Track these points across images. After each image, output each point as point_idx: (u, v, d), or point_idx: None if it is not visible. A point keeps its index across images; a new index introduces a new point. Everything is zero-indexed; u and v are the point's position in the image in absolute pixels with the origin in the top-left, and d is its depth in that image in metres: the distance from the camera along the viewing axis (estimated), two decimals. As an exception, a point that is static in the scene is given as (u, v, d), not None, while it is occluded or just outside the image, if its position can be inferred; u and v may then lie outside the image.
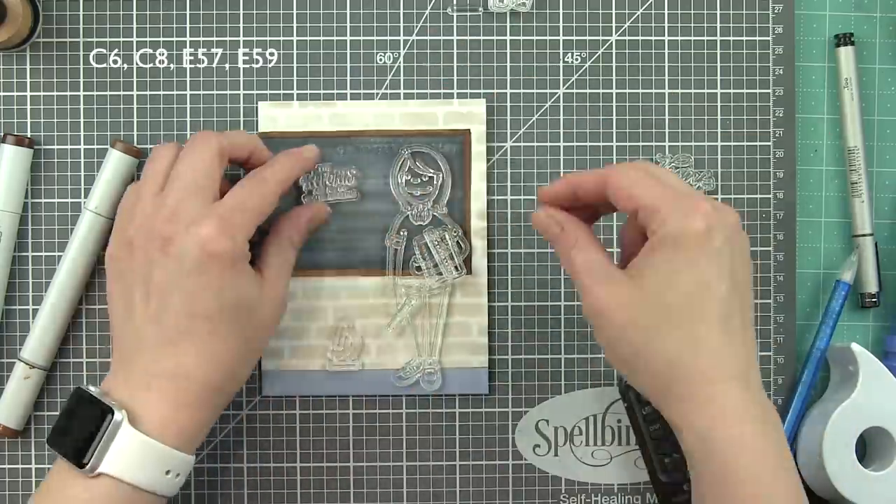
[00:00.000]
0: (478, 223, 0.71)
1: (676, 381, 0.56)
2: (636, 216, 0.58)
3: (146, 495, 0.59)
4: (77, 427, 0.58)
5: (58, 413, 0.70)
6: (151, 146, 0.70)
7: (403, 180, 0.71)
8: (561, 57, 0.72)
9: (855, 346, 0.70)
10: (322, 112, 0.71)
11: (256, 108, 0.71)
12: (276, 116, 0.70)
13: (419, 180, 0.71)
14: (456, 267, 0.71)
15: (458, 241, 0.71)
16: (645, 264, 0.57)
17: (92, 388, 0.60)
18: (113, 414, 0.58)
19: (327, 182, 0.70)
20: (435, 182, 0.71)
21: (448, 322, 0.71)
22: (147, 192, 0.62)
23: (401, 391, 0.71)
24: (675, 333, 0.56)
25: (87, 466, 0.57)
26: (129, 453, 0.58)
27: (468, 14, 0.72)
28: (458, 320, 0.71)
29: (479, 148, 0.71)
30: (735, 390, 0.56)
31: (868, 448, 0.72)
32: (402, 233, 0.71)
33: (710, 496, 0.57)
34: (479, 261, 0.71)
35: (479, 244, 0.71)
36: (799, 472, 0.71)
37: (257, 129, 0.71)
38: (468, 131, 0.71)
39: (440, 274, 0.71)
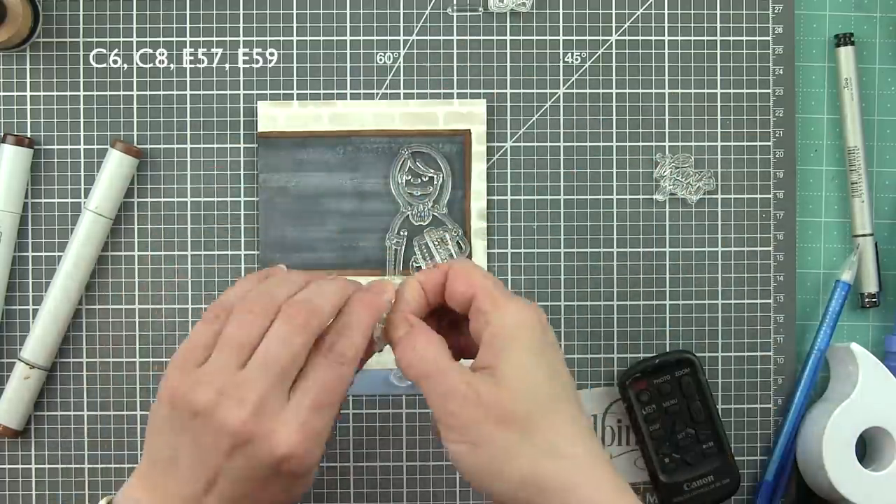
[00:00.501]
0: (478, 223, 0.71)
1: (556, 466, 0.54)
2: (469, 308, 0.57)
3: None
4: None
5: (58, 413, 0.70)
6: (152, 146, 0.70)
7: (404, 180, 0.71)
8: (561, 57, 0.72)
9: (855, 346, 0.70)
10: (322, 112, 0.71)
11: (256, 107, 0.71)
12: (275, 116, 0.70)
13: (419, 180, 0.71)
14: None
15: (458, 242, 0.71)
16: (494, 358, 0.55)
17: None
18: None
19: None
20: (435, 182, 0.71)
21: None
22: (228, 362, 0.53)
23: (400, 391, 0.71)
24: (550, 418, 0.54)
25: None
26: None
27: (468, 14, 0.72)
28: None
29: (479, 148, 0.71)
30: (607, 463, 0.56)
31: (868, 448, 0.72)
32: (402, 233, 0.71)
33: None
34: (480, 261, 0.71)
35: (479, 244, 0.71)
36: (799, 472, 0.72)
37: (257, 129, 0.70)
38: (468, 131, 0.71)
39: (440, 273, 0.71)
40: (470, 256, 0.71)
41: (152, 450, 0.55)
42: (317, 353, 0.54)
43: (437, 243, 0.71)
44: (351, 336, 0.55)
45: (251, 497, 0.54)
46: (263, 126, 0.70)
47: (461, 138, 0.71)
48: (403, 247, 0.71)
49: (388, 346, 0.58)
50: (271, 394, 0.52)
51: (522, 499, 0.54)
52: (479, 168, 0.71)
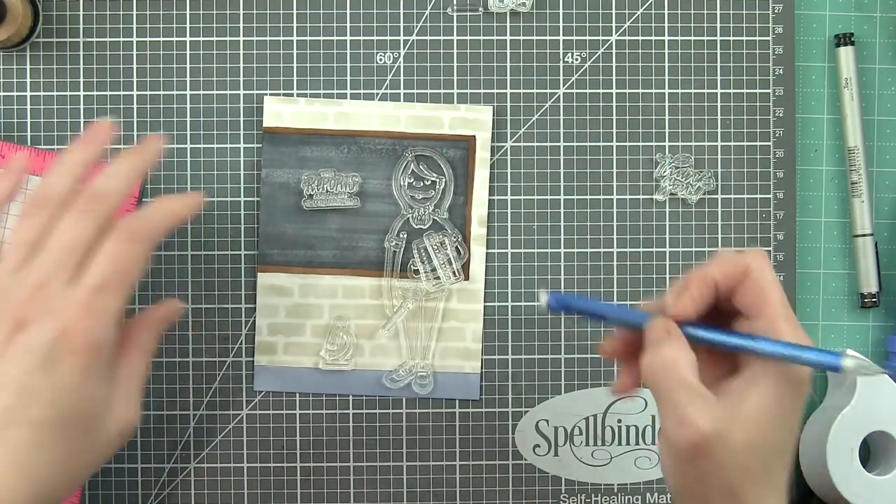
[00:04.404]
0: (478, 230, 0.71)
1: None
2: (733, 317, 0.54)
3: None
4: None
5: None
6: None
7: (406, 183, 0.71)
8: (561, 57, 0.72)
9: (851, 353, 0.70)
10: (328, 110, 0.71)
11: (258, 106, 0.71)
12: (280, 112, 0.70)
13: (422, 184, 0.71)
14: (454, 272, 0.71)
15: (457, 247, 0.71)
16: (749, 393, 0.51)
17: None
18: None
19: (328, 188, 0.70)
20: (437, 186, 0.71)
21: (442, 327, 0.71)
22: (9, 265, 0.53)
23: (392, 393, 0.71)
24: (760, 475, 0.51)
25: None
26: None
27: (468, 14, 0.72)
28: (452, 325, 0.71)
29: (483, 154, 0.71)
30: None
31: (871, 451, 0.72)
32: (401, 235, 0.71)
33: None
34: (477, 267, 0.71)
35: (478, 251, 0.71)
36: (803, 476, 0.71)
37: (261, 125, 0.70)
38: (473, 137, 0.71)
39: (438, 278, 0.71)
40: (468, 262, 0.71)
41: None
42: (107, 235, 0.54)
43: (435, 247, 0.71)
44: (144, 217, 0.55)
45: (37, 396, 0.51)
46: (269, 122, 0.70)
47: (466, 144, 0.71)
48: (402, 249, 0.71)
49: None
50: (53, 279, 0.52)
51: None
52: (482, 175, 0.71)
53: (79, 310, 0.51)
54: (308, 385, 0.71)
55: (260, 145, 0.71)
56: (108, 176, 0.56)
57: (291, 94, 0.71)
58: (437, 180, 0.71)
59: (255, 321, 0.71)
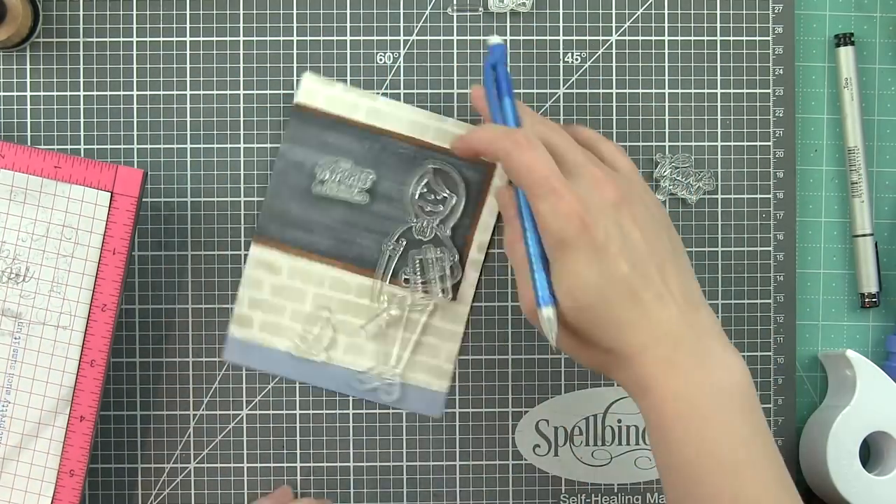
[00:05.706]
0: (476, 254, 0.71)
1: (616, 358, 0.58)
2: None
3: None
4: None
5: (57, 413, 0.71)
6: (152, 146, 0.70)
7: (419, 192, 0.71)
8: (561, 57, 0.72)
9: (850, 353, 0.70)
10: (361, 103, 0.70)
11: (259, 106, 0.71)
12: (315, 92, 0.70)
13: (433, 197, 0.71)
14: (443, 290, 0.71)
15: (451, 266, 0.71)
16: (553, 269, 0.59)
17: None
18: None
19: (342, 178, 0.70)
20: (448, 203, 0.71)
21: (420, 340, 0.71)
22: None
23: (357, 395, 0.71)
24: (603, 327, 0.58)
25: None
26: None
27: (468, 14, 0.72)
28: (430, 341, 0.71)
29: (499, 184, 0.70)
30: (661, 350, 0.58)
31: (871, 452, 0.72)
32: (400, 241, 0.71)
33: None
34: (467, 290, 0.71)
35: (471, 274, 0.71)
36: (803, 476, 0.71)
37: (295, 99, 0.70)
38: (494, 165, 0.70)
39: (426, 291, 0.71)
40: (459, 283, 0.71)
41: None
42: None
43: (431, 262, 0.71)
44: None
45: None
46: (301, 98, 0.70)
47: (485, 169, 0.71)
48: (398, 255, 0.71)
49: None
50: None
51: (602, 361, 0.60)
52: (493, 203, 0.71)
53: None
54: (276, 367, 0.71)
55: (261, 145, 0.71)
56: None
57: (290, 96, 0.71)
58: (450, 197, 0.71)
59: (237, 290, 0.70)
